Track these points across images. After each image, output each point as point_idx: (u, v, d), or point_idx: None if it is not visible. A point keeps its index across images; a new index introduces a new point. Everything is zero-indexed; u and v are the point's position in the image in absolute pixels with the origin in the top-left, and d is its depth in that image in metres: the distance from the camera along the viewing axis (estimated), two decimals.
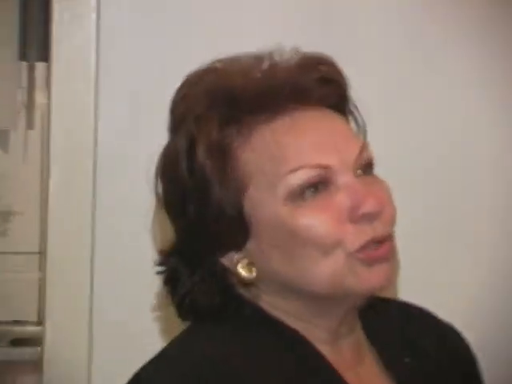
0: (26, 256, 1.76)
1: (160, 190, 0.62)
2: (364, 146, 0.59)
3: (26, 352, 1.67)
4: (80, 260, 1.07)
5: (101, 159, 1.09)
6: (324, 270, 0.56)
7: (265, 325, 0.59)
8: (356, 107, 0.63)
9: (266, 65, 0.60)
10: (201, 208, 0.58)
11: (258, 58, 0.60)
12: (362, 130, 0.63)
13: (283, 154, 0.57)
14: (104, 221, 1.09)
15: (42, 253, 1.31)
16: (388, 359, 0.64)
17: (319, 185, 0.57)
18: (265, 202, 0.57)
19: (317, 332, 0.60)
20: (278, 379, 0.56)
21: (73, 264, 1.07)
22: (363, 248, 0.56)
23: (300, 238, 0.56)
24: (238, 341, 0.58)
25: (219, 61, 0.61)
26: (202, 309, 0.60)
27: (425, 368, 0.64)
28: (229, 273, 0.59)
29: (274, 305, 0.60)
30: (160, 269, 0.63)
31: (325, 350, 0.59)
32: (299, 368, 0.58)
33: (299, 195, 0.56)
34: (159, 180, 0.62)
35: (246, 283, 0.59)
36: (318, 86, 0.59)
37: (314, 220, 0.56)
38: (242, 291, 0.60)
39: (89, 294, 1.06)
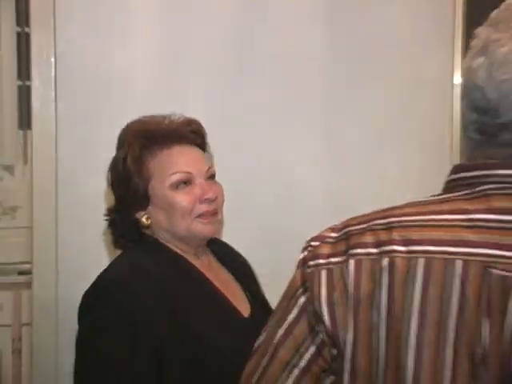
0: None
1: (109, 177, 1.21)
2: (210, 166, 1.17)
3: None
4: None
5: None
6: (182, 225, 1.15)
7: (160, 249, 1.17)
8: (208, 146, 1.22)
9: (167, 120, 1.19)
10: (126, 187, 1.17)
11: (164, 117, 1.19)
12: (210, 157, 1.22)
13: (170, 165, 1.16)
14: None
15: None
16: (225, 264, 1.24)
17: (186, 182, 1.15)
18: (159, 187, 1.16)
19: (188, 252, 1.17)
20: (171, 277, 1.12)
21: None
22: (201, 215, 1.14)
23: (173, 207, 1.15)
24: (148, 257, 1.15)
25: (144, 117, 1.21)
26: (127, 239, 1.19)
27: (239, 267, 1.25)
28: (138, 221, 1.19)
29: (163, 238, 1.18)
30: (107, 218, 1.23)
31: (194, 261, 1.17)
32: (180, 271, 1.15)
33: (176, 186, 1.15)
34: (109, 172, 1.21)
35: (146, 227, 1.18)
36: (190, 134, 1.18)
37: (181, 199, 1.15)
38: (146, 231, 1.19)
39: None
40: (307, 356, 0.72)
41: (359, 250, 0.70)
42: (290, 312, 0.74)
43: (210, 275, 1.17)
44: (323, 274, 0.72)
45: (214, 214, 1.16)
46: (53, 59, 1.56)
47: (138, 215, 1.17)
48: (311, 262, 0.73)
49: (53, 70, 1.56)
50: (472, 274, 0.67)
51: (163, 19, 1.59)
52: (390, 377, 0.68)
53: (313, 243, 0.75)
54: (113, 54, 1.58)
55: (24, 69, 2.60)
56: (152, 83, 1.58)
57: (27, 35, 2.40)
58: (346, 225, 0.74)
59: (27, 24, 2.23)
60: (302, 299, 0.73)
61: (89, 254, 1.56)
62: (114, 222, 1.20)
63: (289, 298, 0.75)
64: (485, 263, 0.67)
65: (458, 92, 1.58)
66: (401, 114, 1.65)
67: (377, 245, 0.70)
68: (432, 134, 1.63)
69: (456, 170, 0.75)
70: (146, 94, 1.57)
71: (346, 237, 0.72)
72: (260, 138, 1.64)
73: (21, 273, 2.47)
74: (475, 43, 0.73)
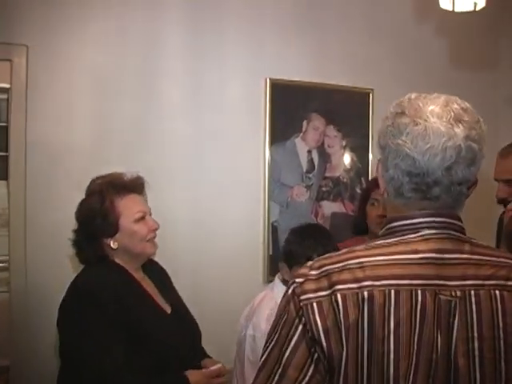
0: None
1: (79, 214, 1.74)
2: (148, 208, 1.79)
3: None
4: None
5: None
6: (139, 246, 1.73)
7: (116, 267, 1.71)
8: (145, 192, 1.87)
9: (129, 176, 1.77)
10: (102, 221, 1.68)
11: (122, 174, 1.77)
12: (146, 198, 1.82)
13: (133, 207, 1.73)
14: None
15: None
16: (151, 278, 1.84)
17: (143, 218, 1.75)
18: (125, 222, 1.73)
19: (132, 268, 1.74)
20: (120, 287, 1.65)
21: None
22: (149, 240, 1.76)
23: (136, 234, 1.72)
24: (106, 273, 1.67)
25: (110, 173, 1.80)
26: (90, 259, 1.72)
27: (162, 279, 1.88)
28: (106, 245, 1.75)
29: (120, 259, 1.72)
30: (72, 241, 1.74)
31: (135, 274, 1.73)
32: (126, 282, 1.70)
33: (137, 221, 1.73)
34: (80, 211, 1.74)
35: (113, 250, 1.73)
36: (139, 185, 1.79)
37: (141, 230, 1.73)
38: (109, 254, 1.73)
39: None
40: (309, 372, 0.86)
41: (341, 286, 0.84)
42: (291, 339, 0.87)
43: (143, 283, 1.74)
44: (315, 305, 0.86)
45: (154, 238, 1.79)
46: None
47: (106, 241, 1.71)
48: (302, 297, 0.87)
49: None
50: (428, 300, 0.84)
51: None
52: (377, 381, 0.83)
53: (297, 280, 0.88)
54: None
55: None
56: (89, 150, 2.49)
57: None
58: (322, 264, 0.88)
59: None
60: (300, 327, 0.86)
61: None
62: (80, 244, 1.72)
63: (288, 326, 0.88)
64: (435, 291, 0.84)
65: (267, 157, 2.83)
66: (236, 171, 2.81)
67: (355, 281, 0.85)
68: (254, 183, 2.81)
69: (391, 220, 0.92)
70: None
71: (327, 274, 0.86)
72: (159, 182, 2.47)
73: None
74: (383, 128, 0.90)
